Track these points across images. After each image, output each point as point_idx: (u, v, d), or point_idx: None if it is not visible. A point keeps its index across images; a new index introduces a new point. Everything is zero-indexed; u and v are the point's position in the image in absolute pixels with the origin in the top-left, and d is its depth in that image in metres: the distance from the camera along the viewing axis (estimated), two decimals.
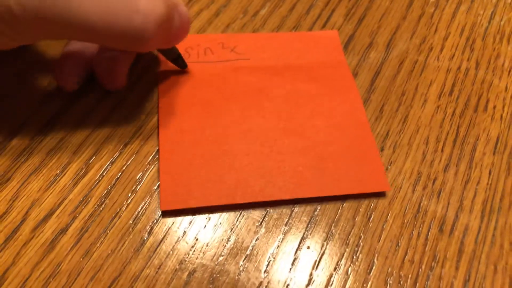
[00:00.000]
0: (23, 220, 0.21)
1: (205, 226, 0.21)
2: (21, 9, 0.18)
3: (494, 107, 0.27)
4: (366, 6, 0.31)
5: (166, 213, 0.21)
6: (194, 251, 0.20)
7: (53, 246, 0.20)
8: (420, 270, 0.21)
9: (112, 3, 0.18)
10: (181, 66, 0.25)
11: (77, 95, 0.25)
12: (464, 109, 0.26)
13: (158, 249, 0.20)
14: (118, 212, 0.21)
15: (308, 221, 0.22)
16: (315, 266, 0.21)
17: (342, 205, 0.22)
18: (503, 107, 0.27)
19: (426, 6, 0.32)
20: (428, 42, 0.29)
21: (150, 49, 0.21)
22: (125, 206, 0.21)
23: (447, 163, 0.24)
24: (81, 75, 0.24)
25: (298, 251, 0.21)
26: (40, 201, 0.21)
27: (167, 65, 0.26)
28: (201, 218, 0.21)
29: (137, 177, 0.22)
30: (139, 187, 0.22)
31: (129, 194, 0.22)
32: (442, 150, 0.25)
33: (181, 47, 0.27)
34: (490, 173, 0.24)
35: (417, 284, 0.20)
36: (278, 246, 0.21)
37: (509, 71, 0.28)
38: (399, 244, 0.21)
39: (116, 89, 0.24)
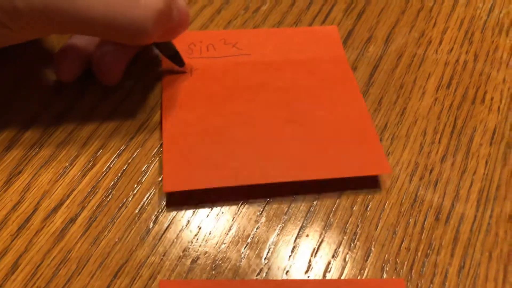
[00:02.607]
0: (34, 210, 0.22)
1: (208, 215, 0.22)
2: (24, 2, 0.18)
3: (492, 98, 0.27)
4: (365, 1, 0.31)
5: (170, 204, 0.22)
6: (197, 239, 0.21)
7: (63, 235, 0.21)
8: (416, 257, 0.21)
9: None
10: (179, 63, 0.26)
11: (85, 90, 0.26)
12: (461, 101, 0.27)
13: (162, 238, 0.21)
14: (124, 202, 0.22)
15: (307, 210, 0.22)
16: (314, 253, 0.21)
17: (340, 195, 0.23)
18: (501, 99, 0.27)
19: (425, 0, 0.32)
20: (427, 36, 0.30)
21: (149, 42, 0.22)
22: (131, 196, 0.22)
23: (444, 154, 0.25)
24: (77, 68, 0.24)
25: (298, 239, 0.22)
26: (50, 192, 0.22)
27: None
28: (204, 208, 0.22)
29: (143, 169, 0.23)
30: (144, 178, 0.23)
31: (135, 185, 0.23)
32: (439, 141, 0.25)
33: (184, 43, 0.28)
34: (486, 163, 0.24)
35: (413, 271, 0.21)
36: (278, 235, 0.22)
37: (507, 63, 0.29)
38: (396, 232, 0.22)
39: (111, 84, 0.25)
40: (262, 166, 0.23)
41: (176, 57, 0.26)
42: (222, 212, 0.22)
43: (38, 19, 0.19)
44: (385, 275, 0.21)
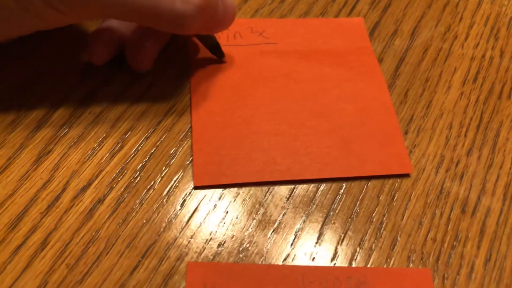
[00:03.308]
0: (63, 190, 0.22)
1: (235, 200, 0.22)
2: None
3: None
4: None
5: (198, 187, 0.22)
6: (224, 223, 0.21)
7: (91, 214, 0.21)
8: (442, 248, 0.21)
9: None
10: (219, 55, 0.26)
11: (114, 74, 0.26)
12: (487, 96, 0.27)
13: (190, 221, 0.21)
14: (152, 185, 0.22)
15: (333, 198, 0.22)
16: (340, 241, 0.21)
17: (367, 185, 0.23)
18: None
19: None
20: (453, 31, 0.30)
21: (191, 33, 0.22)
22: (159, 179, 0.22)
23: (470, 148, 0.25)
24: (110, 51, 0.25)
25: (324, 227, 0.22)
26: (79, 172, 0.22)
27: (200, 48, 0.27)
28: (231, 193, 0.22)
29: (171, 152, 0.23)
30: (172, 161, 0.23)
31: (163, 168, 0.23)
32: (465, 135, 0.25)
33: None
34: None
35: (439, 261, 0.21)
36: (304, 221, 0.22)
37: None
38: (422, 223, 0.22)
39: (141, 71, 0.25)
40: (287, 162, 0.23)
41: (217, 50, 0.26)
42: (249, 197, 0.22)
43: (88, 5, 0.20)
44: (411, 265, 0.21)
